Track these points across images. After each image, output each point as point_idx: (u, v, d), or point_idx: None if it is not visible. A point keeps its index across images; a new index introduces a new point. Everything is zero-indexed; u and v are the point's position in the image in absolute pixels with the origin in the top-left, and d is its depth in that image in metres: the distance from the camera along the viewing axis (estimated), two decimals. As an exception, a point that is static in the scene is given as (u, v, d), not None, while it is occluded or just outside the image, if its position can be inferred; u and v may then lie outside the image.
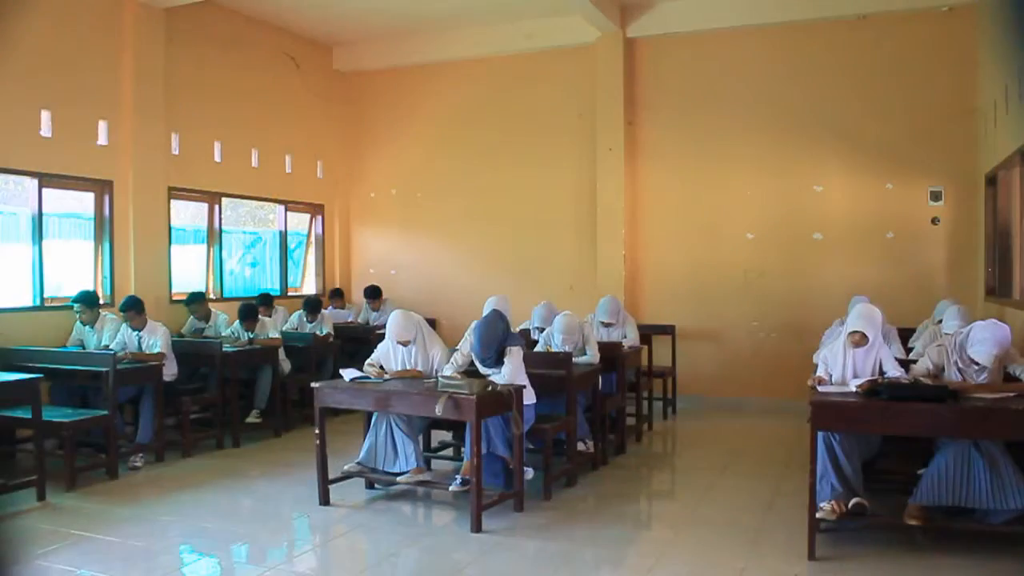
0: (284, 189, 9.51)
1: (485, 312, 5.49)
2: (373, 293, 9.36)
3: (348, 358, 7.75)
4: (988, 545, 4.30)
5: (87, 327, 6.64)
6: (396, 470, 5.26)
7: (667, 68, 8.88)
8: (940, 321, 5.98)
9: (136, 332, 6.50)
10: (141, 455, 6.21)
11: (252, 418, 7.25)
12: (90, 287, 7.28)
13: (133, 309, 6.48)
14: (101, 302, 6.86)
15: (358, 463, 5.36)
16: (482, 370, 5.18)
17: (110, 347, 6.46)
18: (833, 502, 4.33)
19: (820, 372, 4.75)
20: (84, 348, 6.64)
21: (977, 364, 4.36)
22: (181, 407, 6.54)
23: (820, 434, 4.35)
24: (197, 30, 8.25)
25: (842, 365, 4.69)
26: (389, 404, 5.05)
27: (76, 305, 6.55)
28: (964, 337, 4.45)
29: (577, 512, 5.10)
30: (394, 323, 5.35)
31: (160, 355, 6.40)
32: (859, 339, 4.64)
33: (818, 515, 4.28)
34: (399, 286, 9.90)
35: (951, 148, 7.83)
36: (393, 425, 5.31)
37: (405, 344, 5.37)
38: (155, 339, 6.47)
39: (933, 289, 7.67)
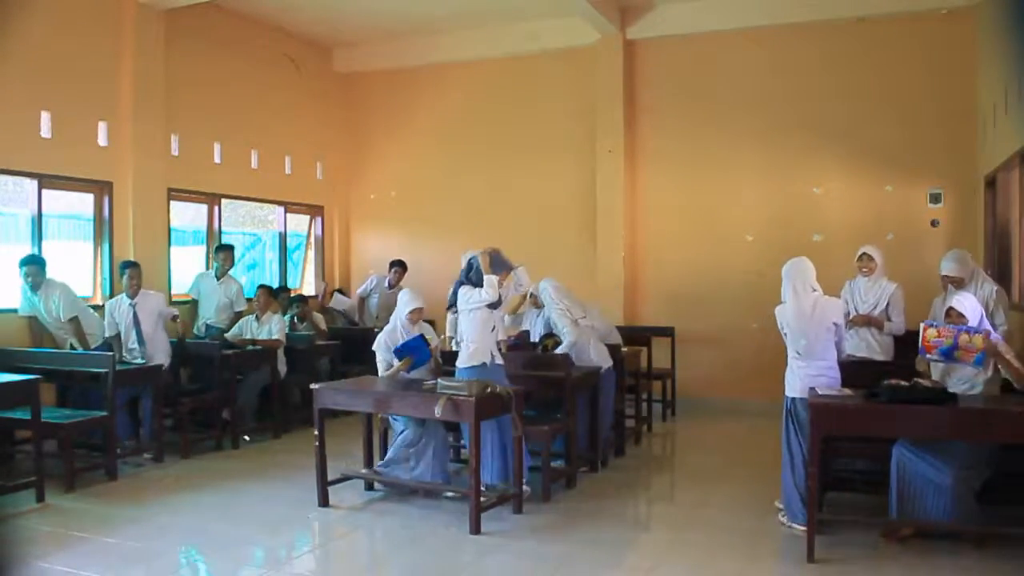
0: (284, 190, 9.51)
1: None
2: (401, 264, 9.07)
3: (350, 361, 7.73)
4: (989, 545, 4.31)
5: (35, 294, 6.41)
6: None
7: (667, 70, 8.88)
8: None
9: (131, 302, 6.55)
10: (147, 454, 6.29)
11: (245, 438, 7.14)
12: (89, 288, 7.31)
13: (135, 267, 6.68)
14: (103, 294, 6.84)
15: (381, 466, 5.44)
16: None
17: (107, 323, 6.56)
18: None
19: None
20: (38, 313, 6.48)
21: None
22: (180, 408, 6.54)
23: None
24: (197, 31, 8.25)
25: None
26: (388, 406, 5.06)
27: (25, 268, 6.29)
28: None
29: (576, 514, 5.09)
30: (406, 295, 5.58)
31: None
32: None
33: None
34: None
35: (950, 150, 7.83)
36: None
37: (415, 320, 5.46)
38: (152, 303, 6.61)
39: (932, 291, 7.57)
